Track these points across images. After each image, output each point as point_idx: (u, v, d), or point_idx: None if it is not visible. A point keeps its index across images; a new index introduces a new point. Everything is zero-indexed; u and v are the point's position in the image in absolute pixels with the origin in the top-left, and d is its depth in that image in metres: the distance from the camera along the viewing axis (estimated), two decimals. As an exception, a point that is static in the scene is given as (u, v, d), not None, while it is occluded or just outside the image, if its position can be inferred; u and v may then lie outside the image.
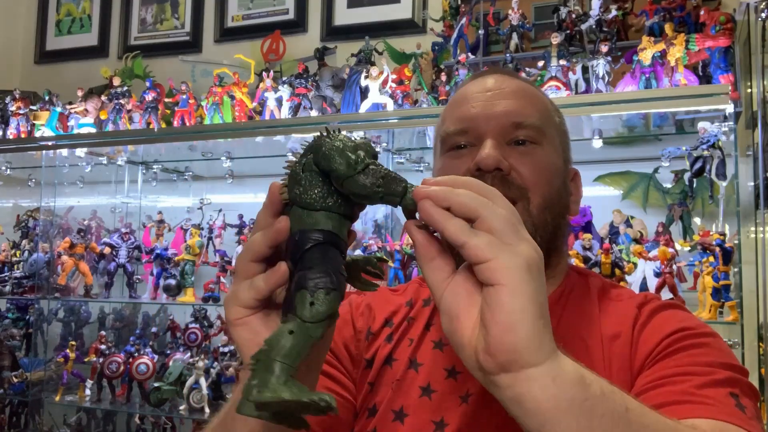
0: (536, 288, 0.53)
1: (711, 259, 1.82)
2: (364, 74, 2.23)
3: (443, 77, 2.17)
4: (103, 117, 2.68)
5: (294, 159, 0.59)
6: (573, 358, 0.57)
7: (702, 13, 1.91)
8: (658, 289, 1.84)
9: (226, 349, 2.43)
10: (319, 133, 0.59)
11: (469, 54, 2.16)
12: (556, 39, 2.02)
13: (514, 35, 2.16)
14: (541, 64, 2.02)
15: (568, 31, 2.09)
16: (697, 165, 1.86)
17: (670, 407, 0.71)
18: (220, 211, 2.63)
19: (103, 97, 2.71)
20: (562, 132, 1.00)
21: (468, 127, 0.92)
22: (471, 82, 1.00)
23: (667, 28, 1.93)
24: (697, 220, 1.99)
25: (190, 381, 2.34)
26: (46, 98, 2.81)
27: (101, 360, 2.54)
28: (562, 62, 1.99)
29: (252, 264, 0.61)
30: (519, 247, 0.53)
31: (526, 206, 0.89)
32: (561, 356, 0.55)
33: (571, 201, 0.98)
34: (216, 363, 2.38)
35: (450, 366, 0.90)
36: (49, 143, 2.71)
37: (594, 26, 2.07)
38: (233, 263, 2.29)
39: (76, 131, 2.68)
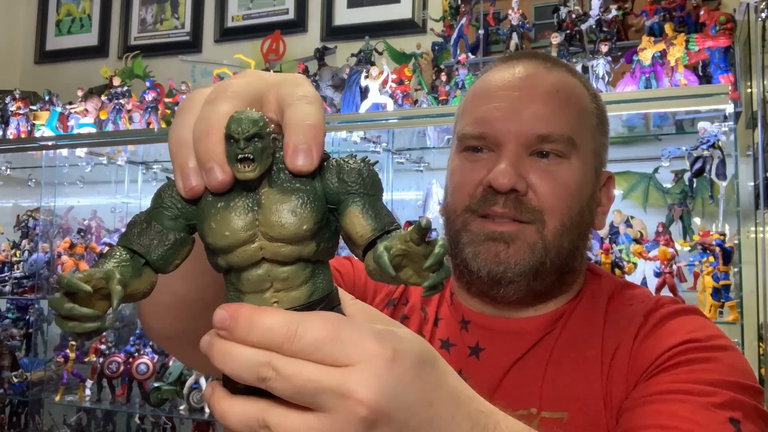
0: None
1: (711, 259, 1.82)
2: (364, 74, 2.22)
3: (443, 77, 2.17)
4: (103, 117, 2.67)
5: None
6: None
7: (702, 13, 1.90)
8: (658, 289, 1.84)
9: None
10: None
11: (469, 54, 2.16)
12: (556, 39, 2.02)
13: (514, 35, 2.16)
14: (541, 64, 2.02)
15: (568, 31, 2.09)
16: (697, 165, 1.86)
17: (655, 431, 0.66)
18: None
19: (103, 97, 2.70)
20: (601, 133, 0.89)
21: (486, 132, 0.83)
22: (498, 69, 0.88)
23: (667, 28, 1.92)
24: (697, 220, 1.99)
25: (190, 381, 2.33)
26: (46, 98, 2.81)
27: (101, 360, 2.54)
28: (562, 62, 1.99)
29: None
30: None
31: (540, 230, 0.81)
32: None
33: (599, 212, 0.89)
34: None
35: (457, 370, 0.86)
36: (49, 143, 2.70)
37: (594, 26, 2.07)
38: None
39: (76, 131, 2.68)
